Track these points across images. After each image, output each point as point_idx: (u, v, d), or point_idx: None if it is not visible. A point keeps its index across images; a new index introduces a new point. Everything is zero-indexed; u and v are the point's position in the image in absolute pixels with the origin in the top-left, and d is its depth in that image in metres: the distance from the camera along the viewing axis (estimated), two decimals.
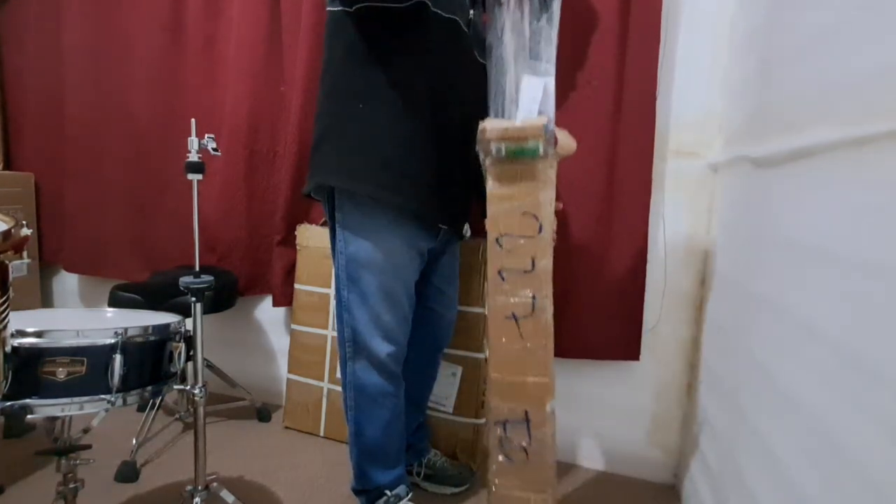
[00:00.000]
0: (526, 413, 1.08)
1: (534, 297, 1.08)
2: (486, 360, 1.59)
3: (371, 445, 1.25)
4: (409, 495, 1.28)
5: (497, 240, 1.07)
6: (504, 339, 1.09)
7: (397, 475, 1.28)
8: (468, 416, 1.59)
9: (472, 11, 1.21)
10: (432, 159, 1.16)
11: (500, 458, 1.09)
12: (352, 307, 1.20)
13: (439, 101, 1.15)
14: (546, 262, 1.07)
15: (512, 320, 1.08)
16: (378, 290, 1.18)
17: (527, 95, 1.05)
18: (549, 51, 1.08)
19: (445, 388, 1.58)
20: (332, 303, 1.73)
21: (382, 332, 1.20)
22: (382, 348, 1.21)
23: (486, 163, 1.06)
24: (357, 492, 1.30)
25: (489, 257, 1.08)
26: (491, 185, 1.06)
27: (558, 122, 1.55)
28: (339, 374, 1.36)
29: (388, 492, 1.25)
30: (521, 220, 1.05)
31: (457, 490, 1.48)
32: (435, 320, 1.39)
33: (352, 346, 1.22)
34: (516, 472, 1.09)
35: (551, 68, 1.08)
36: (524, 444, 1.08)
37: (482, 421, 1.59)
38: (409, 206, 1.16)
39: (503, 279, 1.07)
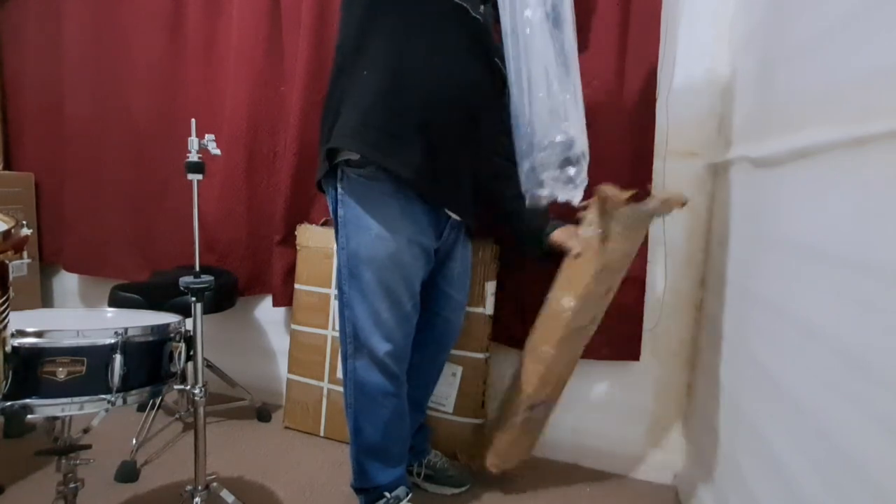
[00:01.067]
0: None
1: (594, 319, 1.33)
2: (486, 360, 1.59)
3: (370, 443, 1.25)
4: (409, 496, 1.28)
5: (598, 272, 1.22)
6: (568, 346, 1.32)
7: (397, 475, 1.28)
8: (468, 416, 1.59)
9: (482, 7, 1.21)
10: (433, 134, 1.14)
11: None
12: (352, 303, 1.20)
13: (442, 82, 1.14)
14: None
15: (578, 333, 1.31)
16: (378, 286, 1.17)
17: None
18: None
19: (445, 388, 1.58)
20: (334, 300, 1.73)
21: (381, 331, 1.20)
22: (381, 346, 1.20)
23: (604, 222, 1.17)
24: (357, 490, 1.30)
25: (589, 281, 1.22)
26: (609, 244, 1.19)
27: None
28: (339, 373, 1.36)
29: (387, 493, 1.25)
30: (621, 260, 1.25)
31: (457, 491, 1.48)
32: (440, 324, 1.38)
33: (352, 342, 1.22)
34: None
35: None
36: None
37: (482, 421, 1.59)
38: (405, 175, 1.12)
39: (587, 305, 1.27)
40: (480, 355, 1.58)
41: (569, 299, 1.24)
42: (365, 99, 1.13)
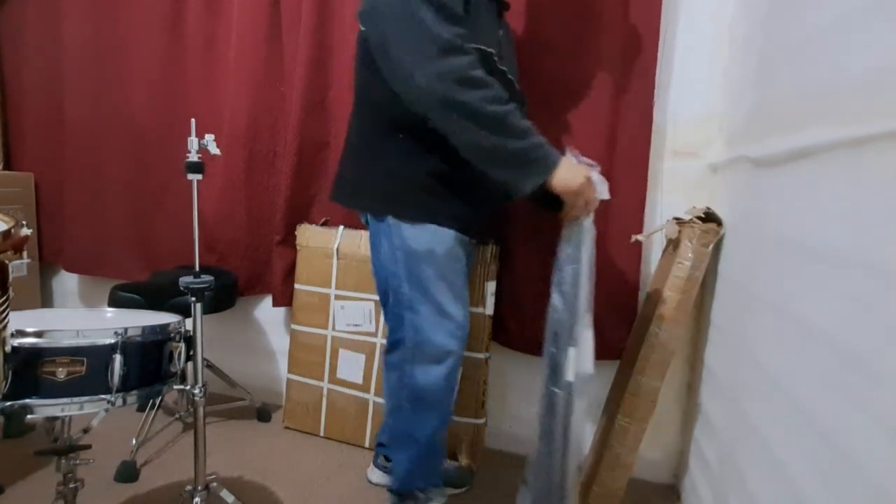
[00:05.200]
0: None
1: None
2: (486, 360, 1.59)
3: (424, 448, 1.24)
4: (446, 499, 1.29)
5: None
6: None
7: (439, 480, 1.29)
8: (468, 416, 1.59)
9: (500, 31, 1.22)
10: (476, 188, 1.19)
11: None
12: (414, 304, 1.18)
13: None
14: None
15: None
16: (439, 280, 1.17)
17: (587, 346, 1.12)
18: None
19: None
20: (334, 300, 1.73)
21: (447, 327, 1.19)
22: (448, 343, 1.19)
23: None
24: (400, 494, 1.29)
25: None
26: None
27: (557, 123, 1.56)
28: (384, 378, 1.32)
29: (430, 496, 1.28)
30: None
31: (457, 491, 1.48)
32: None
33: (413, 346, 1.19)
34: None
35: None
36: None
37: (482, 421, 1.59)
38: (454, 226, 1.19)
39: None
40: (480, 355, 1.57)
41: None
42: (408, 163, 1.16)
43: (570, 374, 1.11)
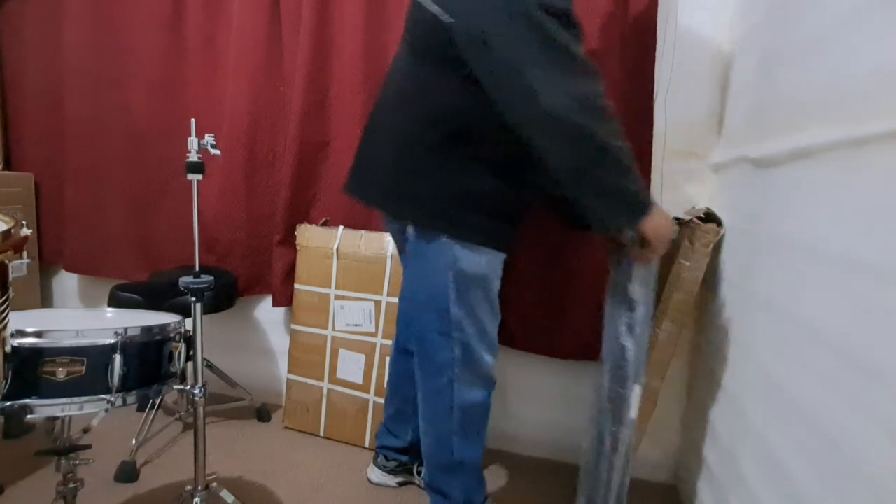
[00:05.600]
0: None
1: None
2: None
3: (474, 468, 1.24)
4: None
5: None
6: None
7: (484, 488, 1.28)
8: None
9: None
10: (524, 211, 1.19)
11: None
12: (462, 324, 1.14)
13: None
14: None
15: None
16: (484, 301, 1.15)
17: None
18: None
19: None
20: (334, 301, 1.72)
21: (488, 345, 1.18)
22: (488, 360, 1.19)
23: None
24: None
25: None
26: None
27: None
28: (424, 412, 1.26)
29: None
30: None
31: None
32: None
33: (460, 365, 1.16)
34: None
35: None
36: None
37: None
38: (503, 249, 1.16)
39: None
40: None
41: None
42: (469, 179, 1.09)
43: (633, 412, 1.12)
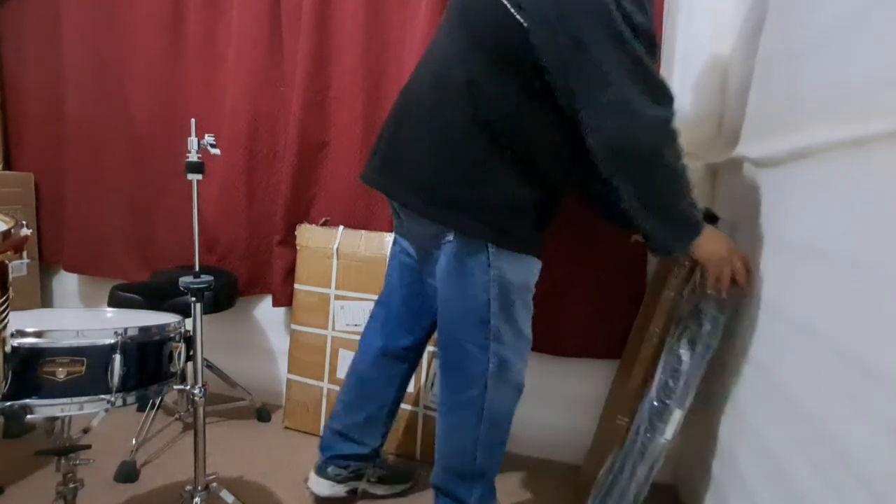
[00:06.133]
0: None
1: None
2: None
3: (492, 478, 1.22)
4: None
5: None
6: None
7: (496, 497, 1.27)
8: None
9: None
10: (553, 212, 1.18)
11: None
12: (502, 335, 1.11)
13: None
14: None
15: None
16: (523, 308, 1.14)
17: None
18: None
19: None
20: (334, 301, 1.72)
21: (525, 350, 1.18)
22: (521, 368, 1.18)
23: None
24: None
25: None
26: None
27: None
28: (444, 426, 1.23)
29: None
30: None
31: (407, 485, 1.49)
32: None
33: (496, 377, 1.13)
34: None
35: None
36: None
37: None
38: (539, 255, 1.15)
39: None
40: None
41: None
42: (518, 187, 1.06)
43: (670, 433, 1.11)
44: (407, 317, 1.32)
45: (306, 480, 1.41)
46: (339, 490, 1.40)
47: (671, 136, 0.98)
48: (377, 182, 1.17)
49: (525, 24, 0.95)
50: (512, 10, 0.95)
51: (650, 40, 0.95)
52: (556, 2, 0.92)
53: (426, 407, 1.57)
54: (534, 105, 1.01)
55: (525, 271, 1.12)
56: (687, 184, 1.01)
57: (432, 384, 1.52)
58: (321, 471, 1.38)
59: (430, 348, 1.53)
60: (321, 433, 1.43)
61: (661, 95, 0.96)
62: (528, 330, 1.17)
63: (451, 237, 1.08)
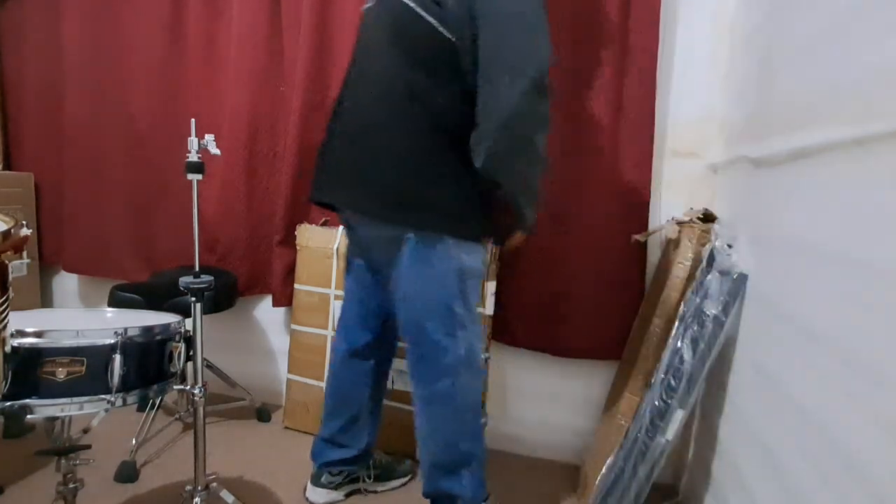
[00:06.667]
0: None
1: None
2: (485, 361, 1.57)
3: (479, 465, 1.24)
4: None
5: None
6: None
7: (486, 488, 1.29)
8: None
9: None
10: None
11: None
12: (466, 322, 1.16)
13: None
14: None
15: None
16: (474, 294, 1.19)
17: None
18: None
19: None
20: (334, 300, 1.72)
21: (480, 337, 1.23)
22: (479, 350, 1.23)
23: None
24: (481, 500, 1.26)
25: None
26: None
27: (557, 124, 1.57)
28: (424, 418, 1.24)
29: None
30: None
31: (406, 479, 1.51)
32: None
33: (466, 364, 1.17)
34: None
35: None
36: None
37: (483, 421, 1.56)
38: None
39: None
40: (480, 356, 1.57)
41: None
42: (466, 178, 1.12)
43: (671, 433, 1.12)
44: (365, 315, 1.36)
45: (304, 491, 1.43)
46: (337, 496, 1.42)
47: (547, 125, 1.10)
48: (336, 197, 1.22)
49: (452, 39, 1.05)
50: (440, 28, 1.05)
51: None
52: (472, 18, 1.03)
53: None
54: (473, 106, 1.08)
55: (478, 258, 1.18)
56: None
57: None
58: (316, 480, 1.42)
59: None
60: (314, 440, 1.44)
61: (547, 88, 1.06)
62: (476, 312, 1.23)
63: (411, 234, 1.13)
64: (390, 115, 1.12)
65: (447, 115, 1.09)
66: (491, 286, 1.57)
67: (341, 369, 1.40)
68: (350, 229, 1.31)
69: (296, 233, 1.80)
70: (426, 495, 1.27)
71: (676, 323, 1.18)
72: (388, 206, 1.12)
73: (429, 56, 1.08)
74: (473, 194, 1.14)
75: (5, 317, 0.79)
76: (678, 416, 1.12)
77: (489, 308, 1.58)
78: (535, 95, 1.01)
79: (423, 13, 1.06)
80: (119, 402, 0.98)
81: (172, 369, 1.11)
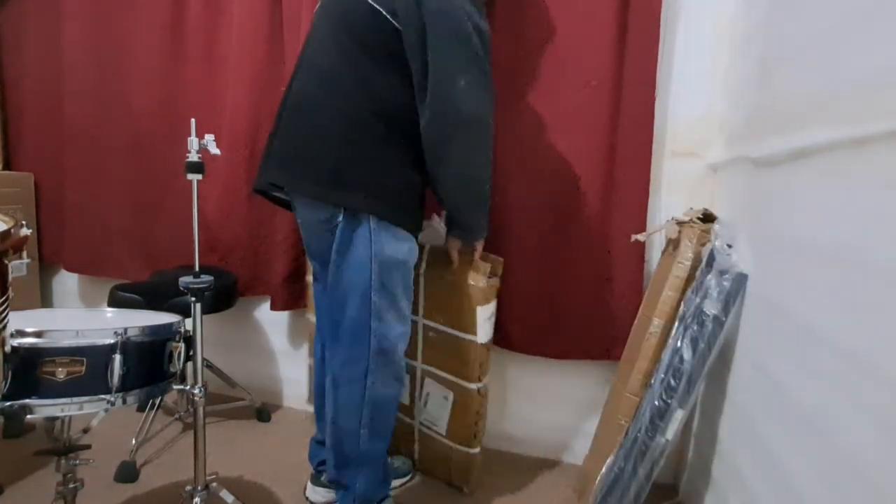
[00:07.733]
0: None
1: None
2: (479, 391, 1.44)
3: (379, 463, 1.24)
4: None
5: None
6: None
7: (388, 485, 1.29)
8: (462, 444, 1.48)
9: None
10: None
11: None
12: (382, 312, 1.15)
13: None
14: None
15: None
16: (404, 286, 1.18)
17: None
18: None
19: (438, 409, 1.51)
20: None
21: (404, 332, 1.20)
22: (402, 346, 1.20)
23: None
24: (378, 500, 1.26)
25: None
26: None
27: (558, 123, 1.56)
28: (328, 398, 1.23)
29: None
30: None
31: (406, 479, 1.51)
32: None
33: (377, 357, 1.16)
34: None
35: None
36: None
37: (476, 451, 1.49)
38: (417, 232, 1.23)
39: None
40: (473, 386, 1.43)
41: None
42: (403, 165, 1.16)
43: (671, 433, 1.12)
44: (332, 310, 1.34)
45: (304, 491, 1.43)
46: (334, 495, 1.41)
47: (490, 129, 1.15)
48: (277, 177, 1.21)
49: (399, 28, 1.08)
50: (389, 18, 1.07)
51: (488, 42, 1.11)
52: (419, 14, 1.06)
53: (422, 423, 1.56)
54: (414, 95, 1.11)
55: (403, 249, 1.17)
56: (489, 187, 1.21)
57: (425, 402, 1.52)
58: (315, 479, 1.43)
59: (422, 365, 1.53)
60: (309, 441, 1.45)
61: (490, 93, 1.13)
62: (407, 311, 1.22)
63: (340, 216, 1.14)
64: (333, 98, 1.14)
65: (390, 101, 1.12)
66: (484, 310, 1.40)
67: (320, 370, 1.39)
68: (298, 216, 1.27)
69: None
70: (330, 481, 1.30)
71: (676, 323, 1.18)
72: (322, 183, 1.13)
73: (374, 43, 1.10)
74: (412, 185, 1.17)
75: (5, 317, 0.79)
76: (678, 416, 1.12)
77: (482, 337, 1.40)
78: (478, 78, 1.08)
79: (370, 1, 1.08)
80: (119, 402, 0.98)
81: (172, 369, 1.11)
